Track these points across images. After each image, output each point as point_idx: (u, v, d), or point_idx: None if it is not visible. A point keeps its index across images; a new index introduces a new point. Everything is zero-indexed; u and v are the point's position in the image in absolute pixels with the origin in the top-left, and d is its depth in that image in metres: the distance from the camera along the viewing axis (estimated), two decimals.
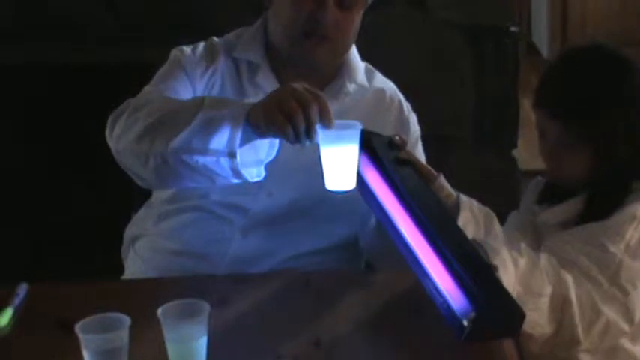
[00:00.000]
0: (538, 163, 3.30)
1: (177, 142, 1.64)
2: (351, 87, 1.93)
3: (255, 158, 1.67)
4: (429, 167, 1.78)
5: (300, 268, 1.87)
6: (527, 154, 3.47)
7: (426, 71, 2.82)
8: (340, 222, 1.91)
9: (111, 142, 1.78)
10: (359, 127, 1.56)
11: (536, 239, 1.77)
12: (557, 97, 1.71)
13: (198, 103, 1.66)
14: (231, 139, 1.60)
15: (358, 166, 1.58)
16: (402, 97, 2.02)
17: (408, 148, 1.87)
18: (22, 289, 1.69)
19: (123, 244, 2.05)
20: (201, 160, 1.64)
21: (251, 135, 1.61)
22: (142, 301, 1.50)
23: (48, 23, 2.82)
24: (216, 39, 1.98)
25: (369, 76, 1.99)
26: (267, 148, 1.67)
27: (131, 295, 1.69)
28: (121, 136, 1.75)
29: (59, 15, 2.82)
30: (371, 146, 1.67)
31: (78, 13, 2.82)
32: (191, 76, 1.89)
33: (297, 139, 1.53)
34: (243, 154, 1.62)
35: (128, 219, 2.06)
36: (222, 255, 1.88)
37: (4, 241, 2.83)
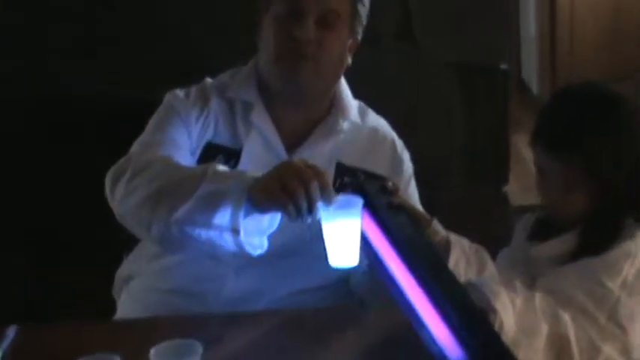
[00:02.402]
0: (529, 199, 3.30)
1: (179, 214, 1.65)
2: (344, 124, 1.93)
3: (258, 227, 1.67)
4: (423, 212, 1.78)
5: (295, 305, 1.86)
6: (518, 189, 3.48)
7: (416, 108, 2.83)
8: None
9: (112, 204, 1.78)
10: (360, 202, 1.56)
11: (529, 276, 1.76)
12: (556, 135, 1.72)
13: (200, 175, 1.67)
14: (233, 217, 1.61)
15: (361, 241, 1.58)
16: (394, 135, 2.02)
17: (402, 186, 1.88)
18: (12, 330, 1.67)
19: (114, 285, 2.04)
20: (204, 233, 1.65)
21: (252, 210, 1.61)
22: (135, 341, 1.50)
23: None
24: (209, 80, 1.99)
25: (362, 114, 1.99)
26: (269, 219, 1.67)
27: (123, 335, 1.67)
28: (122, 201, 1.75)
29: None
30: (364, 191, 1.67)
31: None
32: (186, 121, 1.90)
33: (299, 215, 1.54)
34: (245, 224, 1.62)
35: (120, 260, 2.05)
36: (216, 294, 1.86)
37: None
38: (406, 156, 2.02)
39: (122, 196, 1.74)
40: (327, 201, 1.53)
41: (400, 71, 2.80)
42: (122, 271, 2.03)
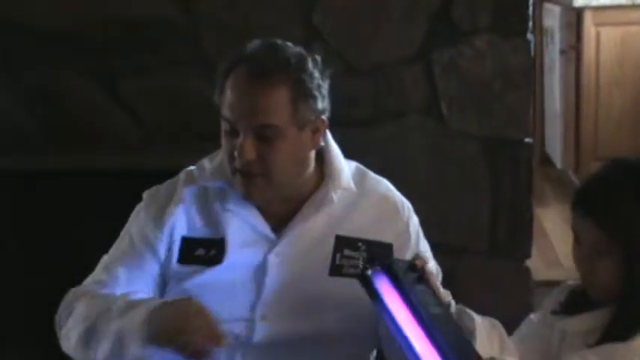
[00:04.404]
0: (551, 274, 3.29)
1: (99, 356, 1.68)
2: (335, 194, 1.83)
3: None
4: (445, 292, 1.76)
5: None
6: (541, 263, 3.47)
7: (440, 179, 2.85)
8: (346, 342, 1.84)
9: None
10: None
11: (554, 346, 1.75)
12: (599, 201, 1.69)
13: (106, 311, 1.69)
14: (141, 352, 1.64)
15: None
16: (396, 194, 1.93)
17: (412, 245, 1.87)
18: None
19: None
20: None
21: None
22: None
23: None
24: (192, 168, 1.91)
25: (360, 179, 1.89)
26: None
27: None
28: (62, 345, 1.79)
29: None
30: (392, 271, 1.65)
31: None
32: (150, 229, 1.84)
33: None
34: None
35: None
36: None
37: None
38: (409, 213, 1.92)
39: (61, 341, 1.79)
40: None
41: (426, 143, 2.83)
42: None
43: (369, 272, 1.66)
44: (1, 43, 2.89)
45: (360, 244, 1.82)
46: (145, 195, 1.91)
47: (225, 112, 1.75)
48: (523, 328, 1.85)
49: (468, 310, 1.73)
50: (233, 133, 1.74)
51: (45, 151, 2.87)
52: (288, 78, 1.73)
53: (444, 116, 2.84)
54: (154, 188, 1.91)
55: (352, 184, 1.86)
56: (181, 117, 2.86)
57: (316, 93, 1.76)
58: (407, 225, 1.90)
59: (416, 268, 1.68)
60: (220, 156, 1.86)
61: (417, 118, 2.83)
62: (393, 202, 1.91)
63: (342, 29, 2.79)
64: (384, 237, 1.85)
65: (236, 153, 1.73)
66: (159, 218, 1.84)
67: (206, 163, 1.90)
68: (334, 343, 1.83)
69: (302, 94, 1.74)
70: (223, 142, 1.78)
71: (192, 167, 1.92)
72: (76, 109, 2.91)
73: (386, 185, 1.93)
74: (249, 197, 1.79)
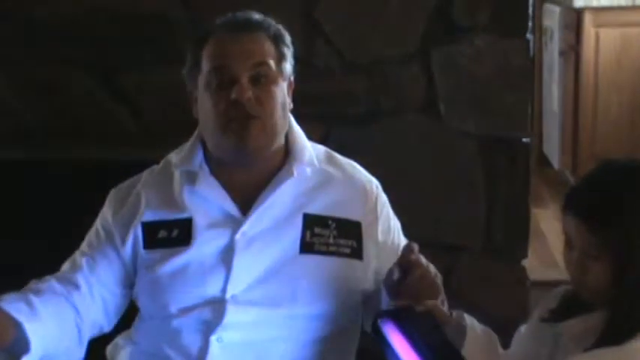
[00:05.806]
0: (548, 274, 3.29)
1: None
2: (296, 169, 1.87)
3: None
4: (445, 312, 1.74)
5: None
6: (537, 264, 3.47)
7: (438, 179, 2.85)
8: (324, 320, 1.84)
9: None
10: None
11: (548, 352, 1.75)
12: (590, 204, 1.67)
13: None
14: None
15: None
16: (364, 174, 1.97)
17: (381, 224, 1.90)
18: None
19: None
20: None
21: None
22: None
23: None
24: (156, 166, 1.98)
25: (328, 160, 1.95)
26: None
27: None
28: None
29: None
30: (398, 317, 1.64)
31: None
32: (112, 227, 1.90)
33: None
34: None
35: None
36: None
37: None
38: (377, 191, 1.96)
39: None
40: None
41: (423, 141, 2.83)
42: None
43: (379, 321, 1.65)
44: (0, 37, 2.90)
45: (330, 221, 1.85)
46: (112, 190, 1.97)
47: (217, 62, 1.82)
48: (514, 341, 1.84)
49: (466, 315, 1.73)
50: (225, 83, 1.80)
51: (44, 143, 2.87)
52: (268, 31, 1.88)
53: (441, 114, 2.83)
54: (120, 184, 1.97)
55: (315, 161, 1.91)
56: (180, 110, 2.85)
57: (291, 49, 1.91)
58: (375, 203, 1.94)
59: (421, 310, 1.66)
60: (188, 144, 1.93)
61: (414, 116, 2.83)
62: (360, 181, 1.95)
63: (342, 26, 2.79)
64: (352, 216, 1.88)
65: (234, 95, 1.78)
66: (119, 210, 1.91)
67: (173, 155, 1.97)
68: (311, 320, 1.83)
69: (282, 43, 1.89)
70: (211, 100, 1.82)
71: (155, 166, 1.98)
72: (75, 103, 2.91)
73: (352, 165, 1.98)
74: (242, 143, 1.80)
